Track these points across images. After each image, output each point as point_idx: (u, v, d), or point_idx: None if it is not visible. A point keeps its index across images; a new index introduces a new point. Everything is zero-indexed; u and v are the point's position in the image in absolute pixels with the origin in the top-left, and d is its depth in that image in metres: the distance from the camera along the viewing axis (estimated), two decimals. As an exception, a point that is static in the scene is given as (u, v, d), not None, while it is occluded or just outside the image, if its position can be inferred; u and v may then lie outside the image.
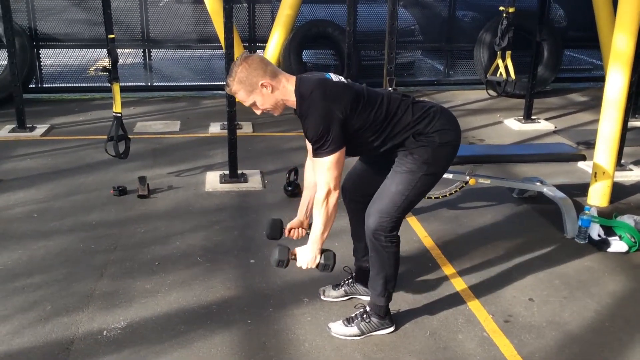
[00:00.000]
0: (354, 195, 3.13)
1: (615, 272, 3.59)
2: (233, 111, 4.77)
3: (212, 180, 4.93)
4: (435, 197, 4.28)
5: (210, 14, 7.40)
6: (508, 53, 5.33)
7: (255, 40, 7.96)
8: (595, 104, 7.74)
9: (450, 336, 2.95)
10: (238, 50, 7.29)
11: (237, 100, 2.82)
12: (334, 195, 2.66)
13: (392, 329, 2.96)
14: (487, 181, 4.15)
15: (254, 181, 4.91)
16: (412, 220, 4.18)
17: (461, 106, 7.39)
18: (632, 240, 3.85)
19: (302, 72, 7.42)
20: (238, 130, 6.27)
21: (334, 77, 2.78)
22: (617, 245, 3.84)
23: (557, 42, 7.67)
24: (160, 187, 4.77)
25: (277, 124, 6.64)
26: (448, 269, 3.59)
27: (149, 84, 8.03)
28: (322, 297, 3.25)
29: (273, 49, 7.63)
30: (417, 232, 4.04)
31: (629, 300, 3.31)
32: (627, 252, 3.81)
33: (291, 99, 2.70)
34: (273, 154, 5.66)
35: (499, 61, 5.39)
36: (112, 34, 4.42)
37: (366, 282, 3.21)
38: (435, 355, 2.81)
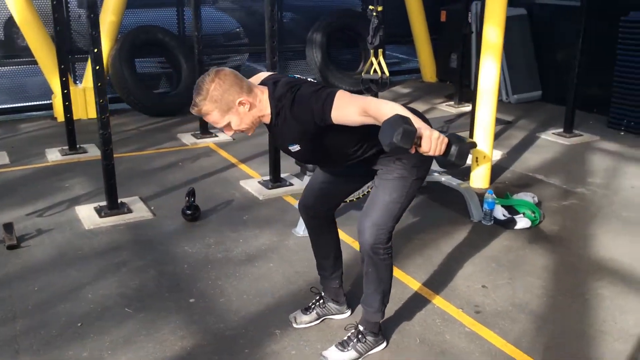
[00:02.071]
0: (317, 211, 2.91)
1: (533, 247, 3.86)
2: (107, 133, 4.16)
3: (88, 215, 4.26)
4: (349, 201, 4.20)
5: (20, 25, 6.43)
6: (380, 51, 5.46)
7: (73, 52, 7.10)
8: (419, 95, 8.33)
9: (439, 339, 2.91)
10: (52, 62, 6.46)
11: (207, 120, 2.40)
12: (383, 100, 2.21)
13: (385, 344, 2.82)
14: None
15: (139, 209, 4.36)
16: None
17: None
18: (533, 215, 4.19)
19: (137, 83, 6.86)
20: (84, 155, 5.64)
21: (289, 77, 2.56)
22: (522, 222, 4.13)
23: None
24: (27, 232, 3.99)
25: (124, 142, 6.03)
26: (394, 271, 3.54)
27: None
28: (295, 325, 2.98)
29: (98, 60, 6.87)
30: (343, 238, 3.92)
31: (559, 271, 3.57)
32: (530, 227, 4.13)
33: (267, 112, 2.41)
34: (140, 177, 5.10)
35: (373, 59, 5.50)
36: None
37: (337, 300, 3.04)
38: (439, 361, 2.75)
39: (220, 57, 8.24)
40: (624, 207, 4.46)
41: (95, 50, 3.96)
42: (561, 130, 6.33)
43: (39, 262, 3.63)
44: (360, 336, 2.75)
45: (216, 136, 6.21)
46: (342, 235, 3.95)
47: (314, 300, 3.05)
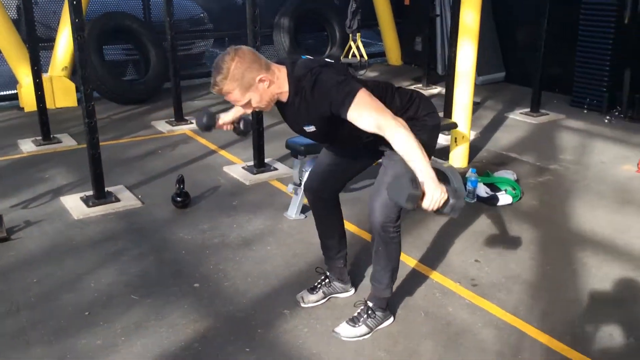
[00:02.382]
0: (322, 193, 2.98)
1: (517, 222, 4.03)
2: (93, 122, 4.12)
3: (75, 205, 4.21)
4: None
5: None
6: (358, 35, 5.52)
7: (38, 39, 6.89)
8: (386, 78, 8.43)
9: (442, 312, 3.03)
10: (17, 51, 6.31)
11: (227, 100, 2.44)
12: (399, 120, 2.31)
13: (392, 318, 2.93)
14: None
15: (127, 198, 4.34)
16: (319, 210, 4.13)
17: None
18: (514, 191, 4.36)
19: (106, 71, 6.74)
20: (59, 145, 5.55)
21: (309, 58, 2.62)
22: (504, 198, 4.30)
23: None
24: (15, 224, 3.93)
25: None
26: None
27: None
28: (303, 305, 3.06)
29: (64, 48, 6.73)
30: (335, 220, 4.01)
31: (545, 243, 3.74)
32: (512, 203, 4.30)
33: (284, 89, 2.47)
34: (120, 165, 5.05)
35: (351, 43, 5.55)
36: None
37: (341, 278, 3.13)
38: (446, 333, 2.86)
39: (185, 43, 8.15)
40: (597, 182, 4.69)
41: (79, 37, 3.91)
42: (528, 109, 6.55)
43: (33, 253, 3.59)
44: (370, 312, 2.84)
45: (191, 123, 6.18)
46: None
47: (319, 280, 3.12)
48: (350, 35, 5.51)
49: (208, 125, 2.86)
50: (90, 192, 4.29)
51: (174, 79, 6.02)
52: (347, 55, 5.63)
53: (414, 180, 2.15)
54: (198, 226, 3.95)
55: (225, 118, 2.89)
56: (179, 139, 5.77)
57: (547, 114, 6.47)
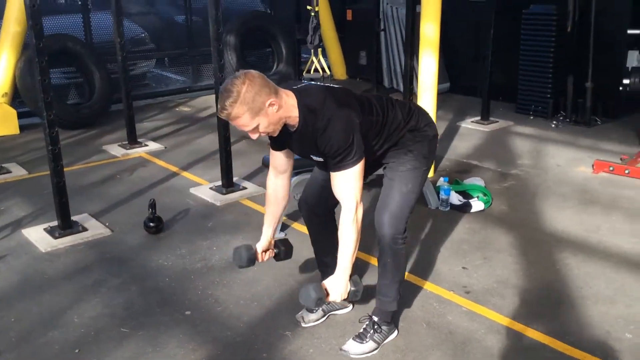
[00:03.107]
0: (317, 209, 2.96)
1: (492, 227, 4.12)
2: (57, 149, 3.92)
3: (40, 238, 3.98)
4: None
5: None
6: (319, 50, 5.53)
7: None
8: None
9: (443, 321, 3.04)
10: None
11: (234, 125, 2.38)
12: (361, 209, 2.49)
13: (397, 331, 2.92)
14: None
15: (95, 227, 4.14)
16: (297, 225, 4.08)
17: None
18: (485, 197, 4.46)
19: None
20: (9, 175, 5.29)
21: (314, 84, 2.62)
22: (476, 205, 4.39)
23: (293, 40, 8.14)
24: (-24, 261, 3.68)
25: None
26: (374, 261, 3.64)
27: None
28: (304, 325, 3.00)
29: (3, 72, 6.41)
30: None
31: (524, 246, 3.83)
32: (484, 209, 4.39)
33: (293, 115, 2.43)
34: (80, 194, 4.82)
35: (313, 58, 5.55)
36: None
37: (339, 295, 3.09)
38: (451, 342, 2.87)
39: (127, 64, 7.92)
40: (558, 184, 4.86)
41: (43, 62, 3.72)
42: (478, 118, 6.75)
43: (4, 291, 3.37)
44: (375, 327, 2.82)
45: (146, 145, 6.00)
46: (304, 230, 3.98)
47: (318, 298, 3.07)
48: (312, 51, 5.54)
49: (251, 259, 2.75)
50: (55, 223, 4.07)
51: (126, 101, 5.83)
52: (308, 71, 5.64)
53: (320, 299, 2.44)
54: (176, 251, 3.81)
55: (261, 246, 2.79)
56: (136, 162, 5.58)
57: (497, 122, 6.68)
